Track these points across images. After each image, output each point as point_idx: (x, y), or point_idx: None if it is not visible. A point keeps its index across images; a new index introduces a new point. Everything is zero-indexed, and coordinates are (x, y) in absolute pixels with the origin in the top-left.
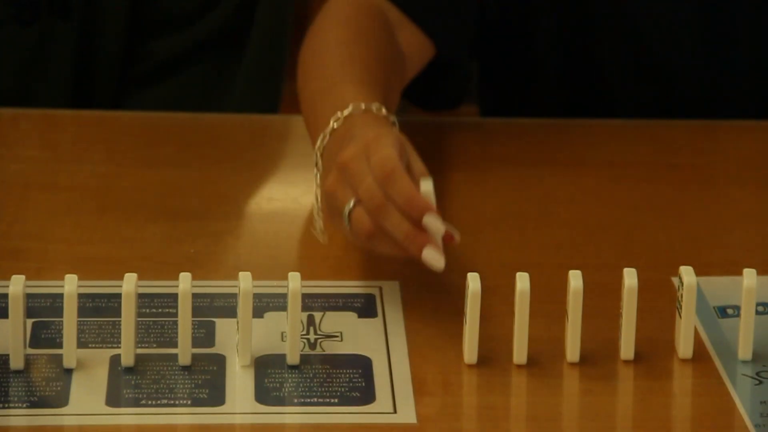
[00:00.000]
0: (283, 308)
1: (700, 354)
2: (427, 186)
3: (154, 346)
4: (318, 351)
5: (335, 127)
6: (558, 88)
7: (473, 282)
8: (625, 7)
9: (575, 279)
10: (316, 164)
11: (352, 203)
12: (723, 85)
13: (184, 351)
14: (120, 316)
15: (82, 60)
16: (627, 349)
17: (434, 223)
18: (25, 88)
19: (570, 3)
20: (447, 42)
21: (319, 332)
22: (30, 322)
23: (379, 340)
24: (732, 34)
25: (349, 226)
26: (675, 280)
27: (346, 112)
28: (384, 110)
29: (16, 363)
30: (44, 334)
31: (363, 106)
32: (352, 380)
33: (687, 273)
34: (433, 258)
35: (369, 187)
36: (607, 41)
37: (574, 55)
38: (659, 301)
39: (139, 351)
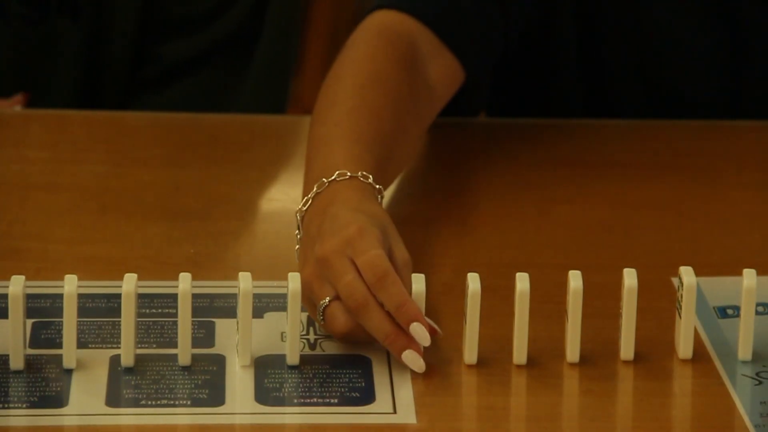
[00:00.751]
0: (283, 308)
1: (700, 354)
2: (419, 285)
3: (154, 346)
4: (318, 351)
5: (318, 191)
6: (567, 92)
7: (473, 282)
8: (635, 15)
9: (575, 279)
10: (298, 227)
11: (327, 300)
12: (734, 91)
13: (184, 351)
14: (120, 316)
15: (91, 61)
16: (627, 349)
17: (420, 333)
18: (32, 88)
19: (584, 9)
20: (477, 69)
21: (319, 332)
22: (30, 322)
23: None
24: (743, 42)
25: (322, 320)
26: (675, 280)
27: (330, 179)
28: (371, 178)
29: (16, 363)
30: (44, 334)
31: (348, 174)
32: (352, 380)
33: (687, 273)
34: (413, 362)
35: (350, 283)
36: (618, 48)
37: (585, 59)
38: (659, 301)
39: (139, 351)
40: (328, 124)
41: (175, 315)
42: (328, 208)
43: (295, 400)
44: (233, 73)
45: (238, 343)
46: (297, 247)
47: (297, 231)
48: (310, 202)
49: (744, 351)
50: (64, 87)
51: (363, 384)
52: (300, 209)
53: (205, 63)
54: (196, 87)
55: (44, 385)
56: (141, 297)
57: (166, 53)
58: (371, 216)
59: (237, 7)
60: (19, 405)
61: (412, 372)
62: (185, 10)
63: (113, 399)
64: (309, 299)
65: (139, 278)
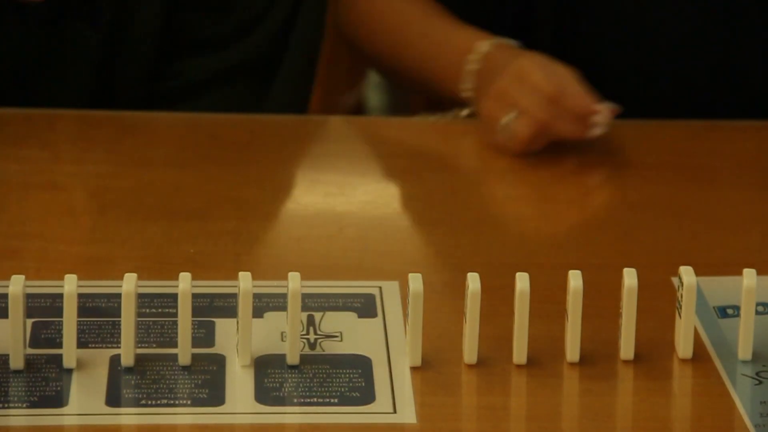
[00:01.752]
0: (283, 308)
1: (700, 354)
2: (416, 285)
3: (154, 346)
4: (318, 351)
5: (477, 66)
6: None
7: (473, 282)
8: (629, 9)
9: (575, 279)
10: (467, 104)
11: (513, 115)
12: (727, 87)
13: (184, 351)
14: (120, 316)
15: (105, 69)
16: (627, 349)
17: (604, 117)
18: (44, 91)
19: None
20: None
21: (319, 332)
22: (30, 322)
23: (379, 340)
24: (736, 37)
25: (506, 135)
26: (675, 280)
27: (484, 50)
28: (512, 41)
29: (16, 363)
30: (44, 334)
31: (494, 41)
32: (352, 380)
33: (687, 273)
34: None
35: (535, 99)
36: (613, 44)
37: (584, 60)
38: (659, 301)
39: (139, 351)
40: (426, 28)
41: (175, 315)
42: (494, 67)
43: (295, 400)
44: (251, 95)
45: (238, 343)
46: (464, 112)
47: (462, 110)
48: (471, 75)
49: (744, 351)
50: (76, 93)
51: (363, 384)
52: (466, 87)
53: (223, 83)
54: (212, 106)
55: (44, 384)
56: (141, 297)
57: (185, 70)
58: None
59: (259, 32)
60: (19, 405)
61: (412, 372)
62: (208, 29)
63: (113, 399)
64: (488, 126)
65: (139, 278)
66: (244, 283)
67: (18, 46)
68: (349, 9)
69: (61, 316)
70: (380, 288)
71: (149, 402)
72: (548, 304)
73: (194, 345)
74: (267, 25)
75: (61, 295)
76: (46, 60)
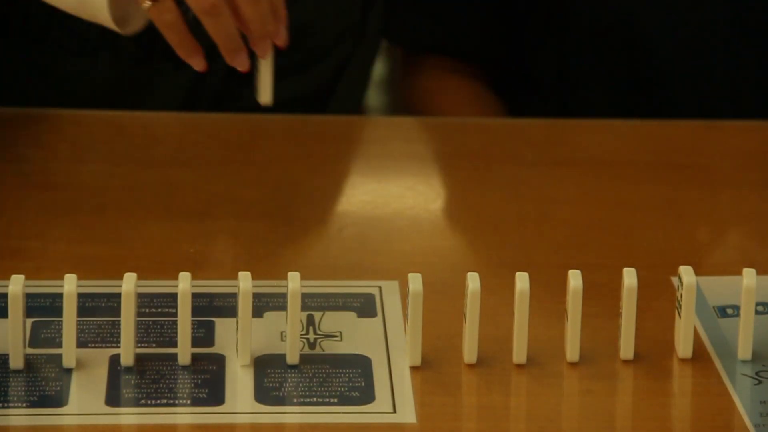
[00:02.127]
0: (283, 308)
1: (699, 354)
2: (416, 285)
3: (154, 345)
4: (318, 351)
5: None
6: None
7: (473, 282)
8: (617, 6)
9: (575, 279)
10: None
11: None
12: (734, 90)
13: (184, 351)
14: (119, 316)
15: (182, 104)
16: (627, 349)
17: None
18: None
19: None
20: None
21: (318, 332)
22: (29, 321)
23: (378, 340)
24: (744, 40)
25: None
26: (675, 280)
27: None
28: None
29: (16, 363)
30: (44, 334)
31: None
32: (351, 380)
33: (686, 273)
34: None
35: None
36: (601, 42)
37: (575, 56)
38: (659, 301)
39: (139, 351)
40: None
41: (175, 314)
42: None
43: (295, 400)
44: None
45: (238, 342)
46: None
47: None
48: None
49: (744, 350)
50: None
51: (363, 383)
52: None
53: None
54: None
55: (44, 384)
56: (141, 296)
57: (246, 95)
58: None
59: (319, 68)
60: (19, 404)
61: (412, 372)
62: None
63: (113, 398)
64: None
65: (139, 278)
66: (244, 283)
67: (110, 80)
68: (411, 83)
69: (61, 316)
70: (380, 288)
71: (149, 402)
72: (548, 304)
73: (194, 345)
74: (327, 63)
75: (60, 295)
76: (133, 94)
